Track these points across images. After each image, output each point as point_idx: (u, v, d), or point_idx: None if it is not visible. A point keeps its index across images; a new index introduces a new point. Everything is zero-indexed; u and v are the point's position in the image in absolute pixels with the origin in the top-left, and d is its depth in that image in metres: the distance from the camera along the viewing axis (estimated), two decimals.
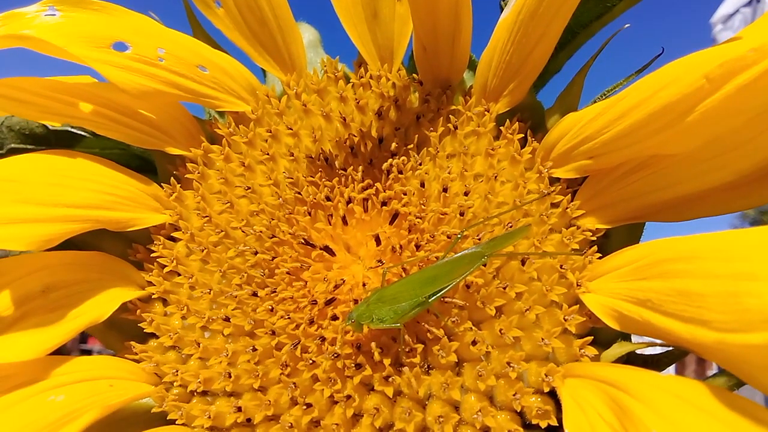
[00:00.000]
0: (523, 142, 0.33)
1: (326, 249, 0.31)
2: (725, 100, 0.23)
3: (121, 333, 0.33)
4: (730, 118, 0.24)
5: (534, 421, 0.28)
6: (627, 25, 0.33)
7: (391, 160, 0.32)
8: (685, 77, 0.24)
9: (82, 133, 0.38)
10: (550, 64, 0.37)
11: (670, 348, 0.28)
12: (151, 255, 0.33)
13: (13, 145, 0.39)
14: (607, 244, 0.31)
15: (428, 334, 0.28)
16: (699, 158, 0.27)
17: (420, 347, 0.28)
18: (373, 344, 0.28)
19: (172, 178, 0.35)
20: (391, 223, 0.31)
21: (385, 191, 0.31)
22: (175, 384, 0.31)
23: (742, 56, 0.22)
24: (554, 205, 0.31)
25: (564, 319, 0.28)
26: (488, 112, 0.33)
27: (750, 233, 0.22)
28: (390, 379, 0.28)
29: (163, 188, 0.34)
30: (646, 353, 0.30)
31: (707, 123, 0.24)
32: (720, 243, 0.22)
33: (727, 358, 0.21)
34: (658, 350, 0.29)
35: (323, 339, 0.29)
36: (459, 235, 0.29)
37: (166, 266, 0.33)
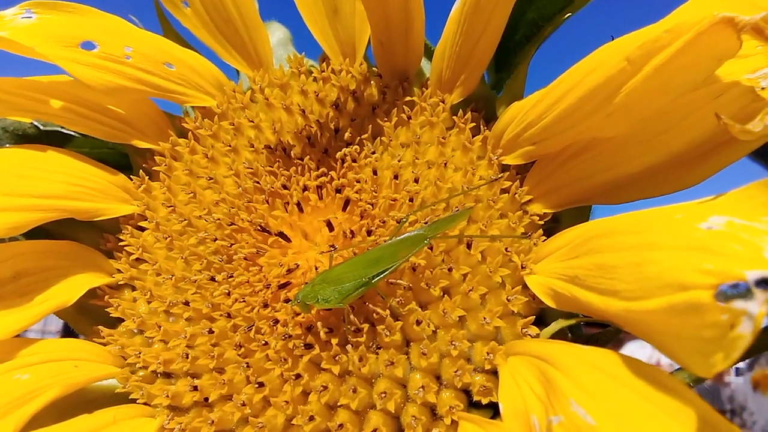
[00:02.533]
0: (476, 131, 0.34)
1: (281, 235, 0.32)
2: (646, 80, 0.24)
3: (92, 319, 0.35)
4: (655, 98, 0.25)
5: (476, 398, 0.28)
6: (568, 15, 0.33)
7: (345, 149, 0.33)
8: (609, 60, 0.25)
9: (72, 133, 0.40)
10: (517, 57, 0.38)
11: (609, 327, 0.29)
12: (120, 244, 0.35)
13: (7, 145, 0.41)
14: (556, 229, 0.32)
15: (374, 315, 0.29)
16: (635, 140, 0.28)
17: (366, 327, 0.29)
18: (320, 324, 0.29)
19: (141, 170, 0.36)
20: (344, 209, 0.32)
21: (339, 179, 0.33)
22: (138, 366, 0.32)
23: (657, 37, 0.23)
24: (504, 191, 0.32)
25: (507, 299, 0.29)
26: (443, 102, 0.34)
27: (661, 210, 0.22)
28: (337, 358, 0.29)
29: (132, 181, 0.36)
30: (589, 332, 0.30)
31: (634, 104, 0.25)
32: (636, 218, 0.23)
33: (636, 327, 0.22)
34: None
35: (276, 321, 0.30)
36: (405, 219, 0.30)
37: (132, 254, 0.34)
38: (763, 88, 0.24)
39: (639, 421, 0.19)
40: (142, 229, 0.35)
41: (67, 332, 0.52)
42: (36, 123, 0.40)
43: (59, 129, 0.40)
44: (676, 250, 0.19)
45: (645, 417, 0.19)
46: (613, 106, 0.25)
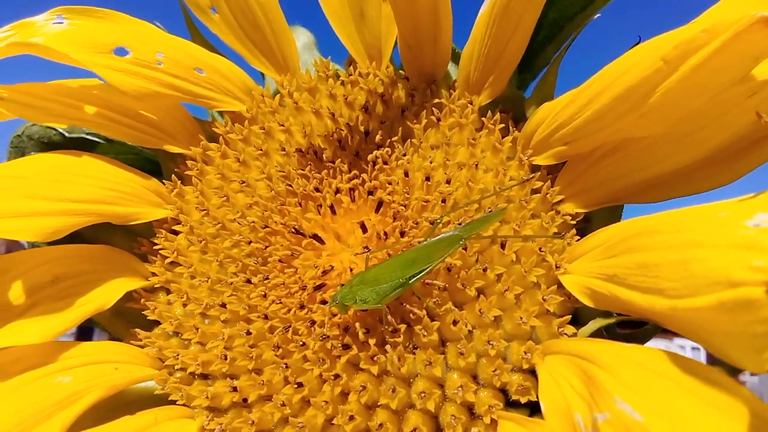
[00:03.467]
0: (505, 132, 0.34)
1: (316, 237, 0.33)
2: (683, 80, 0.24)
3: (128, 321, 0.35)
4: (691, 98, 0.25)
5: (515, 397, 0.29)
6: (598, 15, 0.34)
7: (376, 151, 0.34)
8: (644, 61, 0.25)
9: (97, 139, 0.40)
10: (539, 58, 0.39)
11: (647, 324, 0.29)
12: (154, 247, 0.35)
13: (33, 153, 0.42)
14: (588, 228, 0.32)
15: (411, 315, 0.30)
16: (668, 139, 0.28)
17: (404, 327, 0.29)
18: (357, 325, 0.29)
19: (173, 175, 0.37)
20: (376, 211, 0.32)
21: (371, 181, 0.33)
22: (176, 367, 0.33)
23: (694, 37, 0.23)
24: (535, 191, 0.32)
25: (543, 299, 0.30)
26: (471, 104, 0.34)
27: (702, 208, 0.23)
28: (375, 358, 0.29)
29: (165, 185, 0.36)
30: (626, 331, 0.31)
31: (669, 104, 0.25)
32: (676, 217, 0.23)
33: (682, 325, 0.22)
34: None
35: (313, 322, 0.31)
36: (439, 220, 0.31)
37: (167, 257, 0.35)
38: None
39: (688, 416, 0.20)
40: (176, 232, 0.36)
41: (81, 335, 0.53)
42: (61, 130, 0.41)
43: (84, 136, 0.40)
44: (723, 247, 0.20)
45: (694, 412, 0.20)
46: (648, 106, 0.26)
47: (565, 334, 0.29)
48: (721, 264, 0.19)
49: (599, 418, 0.22)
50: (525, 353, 0.29)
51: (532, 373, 0.29)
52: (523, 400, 0.29)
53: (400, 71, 0.37)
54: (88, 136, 0.41)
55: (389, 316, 0.29)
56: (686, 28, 0.25)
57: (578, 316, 0.30)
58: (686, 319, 0.21)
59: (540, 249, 0.31)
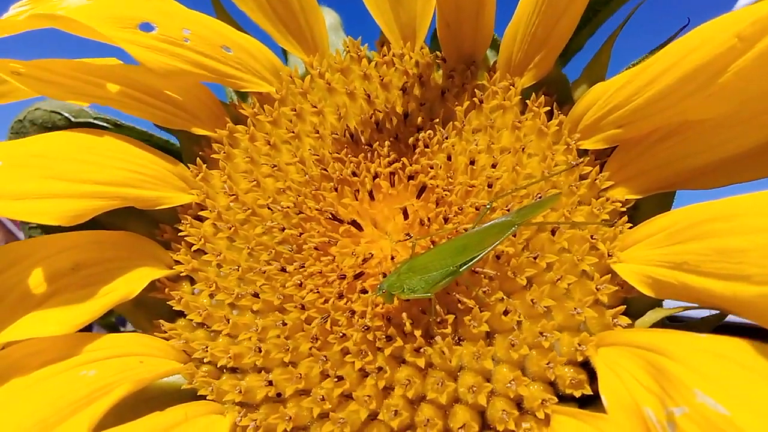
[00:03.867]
0: (550, 116, 0.33)
1: (354, 224, 0.31)
2: (759, 58, 0.23)
3: (149, 312, 0.33)
4: (765, 77, 0.24)
5: (568, 391, 0.27)
6: None
7: (417, 134, 0.32)
8: (717, 38, 0.24)
9: (104, 124, 0.38)
10: (572, 41, 0.37)
11: (709, 314, 0.28)
12: (179, 234, 0.34)
13: None
14: (636, 216, 0.31)
15: (459, 305, 0.28)
16: (732, 122, 0.27)
17: (451, 318, 0.28)
18: (404, 315, 0.28)
19: (198, 158, 0.35)
20: (418, 196, 0.31)
21: (411, 165, 0.31)
22: (204, 360, 0.31)
23: None
24: (583, 177, 0.31)
25: (596, 288, 0.28)
26: (513, 86, 0.33)
27: None
28: (421, 351, 0.28)
29: (189, 169, 0.35)
30: (682, 319, 0.29)
31: (740, 83, 0.24)
32: (759, 200, 0.22)
33: (765, 315, 0.21)
34: (693, 314, 0.29)
35: (353, 312, 0.29)
36: (488, 206, 0.29)
37: (193, 245, 0.33)
38: None
39: None
40: (201, 219, 0.34)
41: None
42: (66, 115, 0.39)
43: (91, 121, 0.38)
44: None
45: None
46: (718, 85, 0.24)
47: (620, 325, 0.28)
48: None
49: (676, 413, 0.21)
50: (579, 345, 0.27)
51: (585, 365, 0.28)
52: (576, 394, 0.27)
53: (437, 53, 0.35)
54: (96, 121, 0.39)
55: (437, 306, 0.28)
56: (763, 4, 0.23)
57: (629, 308, 0.29)
58: None
59: (591, 237, 0.29)
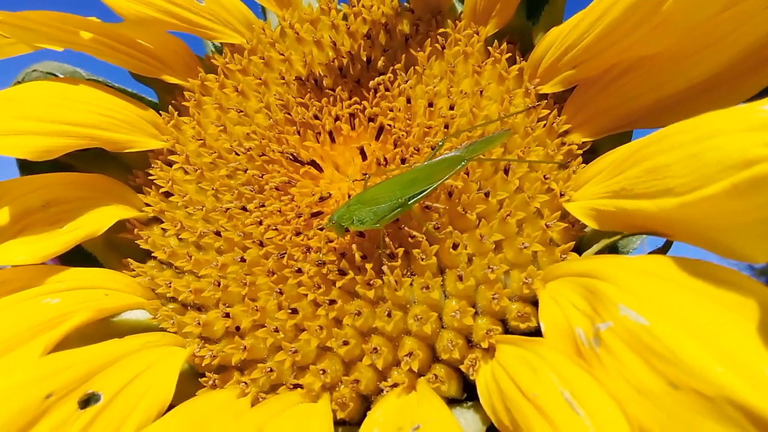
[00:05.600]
0: (512, 62, 0.33)
1: (314, 164, 0.32)
2: None
3: (121, 254, 0.34)
4: (707, 5, 0.24)
5: (514, 323, 0.28)
6: None
7: (378, 78, 0.33)
8: None
9: None
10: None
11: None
12: (149, 178, 0.35)
13: None
14: (594, 159, 0.31)
15: (410, 239, 0.29)
16: (681, 55, 0.27)
17: (401, 252, 0.28)
18: (354, 248, 0.29)
19: (170, 107, 0.36)
20: (377, 138, 0.32)
21: (372, 108, 0.32)
22: (168, 296, 0.32)
23: None
24: (541, 120, 0.31)
25: (546, 225, 0.28)
26: (477, 34, 0.33)
27: (713, 111, 0.21)
28: (371, 283, 0.28)
29: (161, 116, 0.36)
30: None
31: (683, 13, 0.24)
32: (687, 121, 0.22)
33: (688, 226, 0.21)
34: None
35: (309, 248, 0.30)
36: (441, 143, 0.29)
37: (162, 187, 0.34)
38: None
39: (695, 316, 0.18)
40: (171, 164, 0.35)
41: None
42: (61, 75, 0.40)
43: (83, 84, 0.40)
44: (738, 132, 0.18)
45: (701, 312, 0.19)
46: (660, 15, 0.25)
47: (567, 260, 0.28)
48: (735, 146, 0.18)
49: (601, 328, 0.21)
50: (525, 279, 0.28)
51: (532, 302, 0.28)
52: (522, 326, 0.28)
53: (405, 4, 0.36)
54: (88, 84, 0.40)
55: (387, 238, 0.28)
56: None
57: (582, 246, 0.29)
58: (694, 217, 0.20)
59: (545, 177, 0.29)
